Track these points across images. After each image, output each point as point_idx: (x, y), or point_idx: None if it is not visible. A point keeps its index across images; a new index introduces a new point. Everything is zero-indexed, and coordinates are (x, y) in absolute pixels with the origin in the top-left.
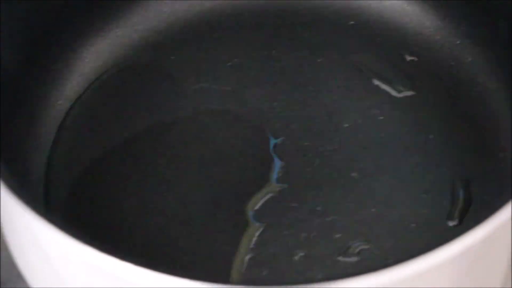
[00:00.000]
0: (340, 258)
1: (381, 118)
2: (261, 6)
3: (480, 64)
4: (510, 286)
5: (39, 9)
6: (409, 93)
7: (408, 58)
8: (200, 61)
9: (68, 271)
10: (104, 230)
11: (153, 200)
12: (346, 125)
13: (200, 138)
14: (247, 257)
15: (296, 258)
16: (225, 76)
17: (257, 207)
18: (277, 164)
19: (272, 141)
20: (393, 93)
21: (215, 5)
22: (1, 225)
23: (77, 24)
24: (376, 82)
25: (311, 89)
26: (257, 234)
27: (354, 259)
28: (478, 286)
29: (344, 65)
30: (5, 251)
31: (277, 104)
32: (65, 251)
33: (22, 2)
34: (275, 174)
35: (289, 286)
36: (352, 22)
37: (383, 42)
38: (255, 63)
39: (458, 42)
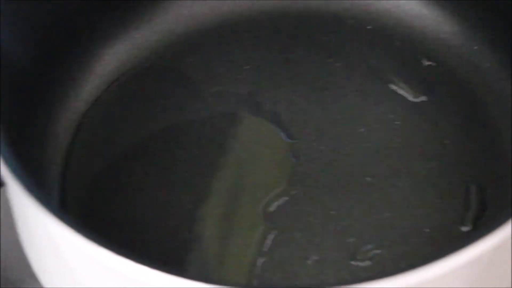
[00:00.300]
0: (353, 262)
1: (397, 123)
2: (279, 10)
3: (498, 69)
4: None
5: (58, 10)
6: (425, 98)
7: (426, 63)
8: (217, 64)
9: (82, 271)
10: (119, 231)
11: (169, 201)
12: (362, 129)
13: (217, 140)
14: (260, 261)
15: (309, 262)
16: (243, 79)
17: (271, 210)
18: (292, 167)
19: (288, 145)
20: (410, 98)
21: (233, 8)
22: (16, 225)
23: (96, 26)
24: (393, 86)
25: (327, 93)
26: (270, 237)
27: (367, 263)
28: None
29: (361, 70)
30: (18, 251)
31: (293, 108)
32: (79, 252)
33: (42, 3)
34: (289, 178)
35: None
36: (370, 27)
37: (400, 46)
38: (272, 66)
39: (475, 47)
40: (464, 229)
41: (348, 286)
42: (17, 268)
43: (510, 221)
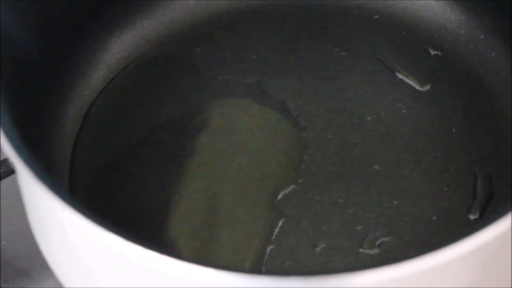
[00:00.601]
0: (361, 250)
1: (405, 111)
2: (286, 0)
3: (504, 59)
4: None
5: (67, 0)
6: (432, 87)
7: (432, 52)
8: (225, 53)
9: (92, 257)
10: (128, 218)
11: (176, 189)
12: (370, 118)
13: (224, 129)
14: (269, 248)
15: (318, 249)
16: (250, 69)
17: (279, 198)
18: (300, 156)
19: (295, 133)
20: (417, 87)
21: None
22: (27, 213)
23: (104, 16)
24: (400, 75)
25: (334, 82)
26: (279, 225)
27: (375, 251)
28: (498, 279)
29: (368, 59)
30: (29, 239)
31: (300, 97)
32: (89, 238)
33: None
34: (297, 166)
35: (310, 277)
36: (376, 16)
37: (407, 36)
38: (279, 56)
39: (482, 37)
40: (472, 217)
41: (356, 273)
42: (27, 257)
43: None
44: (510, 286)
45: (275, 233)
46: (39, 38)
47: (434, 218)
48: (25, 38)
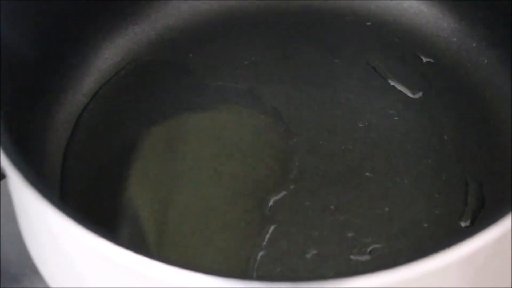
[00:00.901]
0: (352, 257)
1: (396, 118)
2: (279, 6)
3: (496, 66)
4: None
5: (59, 5)
6: (424, 94)
7: (425, 59)
8: (217, 59)
9: (82, 263)
10: (119, 223)
11: (167, 194)
12: (361, 124)
13: (216, 135)
14: (260, 254)
15: (308, 256)
16: (242, 74)
17: (270, 204)
18: (292, 162)
19: (287, 139)
20: (409, 93)
21: (233, 3)
22: (17, 218)
23: (96, 21)
24: (392, 82)
25: (327, 88)
26: (270, 231)
27: (366, 257)
28: (489, 286)
29: (360, 65)
30: (19, 244)
31: (293, 103)
32: (80, 243)
33: None
34: (289, 172)
35: (301, 283)
36: (369, 23)
37: (400, 43)
38: (272, 61)
39: (474, 44)
40: (463, 224)
41: (347, 280)
42: (17, 262)
43: (508, 216)
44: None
45: (265, 239)
46: (31, 42)
47: (425, 225)
48: (17, 43)
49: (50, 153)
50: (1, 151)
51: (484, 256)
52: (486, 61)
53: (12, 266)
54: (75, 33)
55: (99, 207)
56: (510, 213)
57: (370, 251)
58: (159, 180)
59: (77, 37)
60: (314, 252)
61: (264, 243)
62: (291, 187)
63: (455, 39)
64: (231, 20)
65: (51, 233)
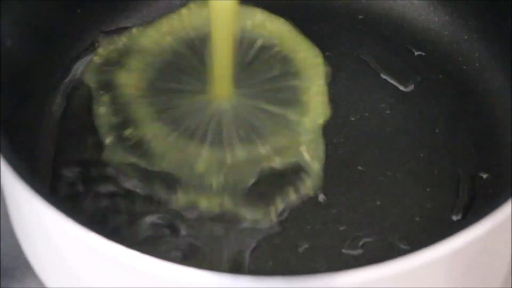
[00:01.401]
0: (344, 251)
1: (388, 112)
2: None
3: (488, 59)
4: (510, 286)
5: (51, 3)
6: (416, 87)
7: (416, 52)
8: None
9: (74, 257)
10: (110, 218)
11: (161, 189)
12: (353, 118)
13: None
14: (252, 248)
15: (300, 249)
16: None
17: None
18: None
19: None
20: (401, 87)
21: None
22: (9, 212)
23: (87, 16)
24: (384, 76)
25: None
26: None
27: (358, 251)
28: (480, 280)
29: (352, 59)
30: (12, 239)
31: None
32: (71, 237)
33: None
34: None
35: (293, 277)
36: (361, 16)
37: (391, 36)
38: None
39: (465, 37)
40: (454, 217)
41: (339, 274)
42: (10, 256)
43: (499, 210)
44: (493, 286)
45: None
46: (25, 37)
47: (417, 218)
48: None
49: (42, 147)
50: None
51: (475, 249)
52: (477, 54)
53: (4, 261)
54: (67, 29)
55: (90, 202)
56: (501, 206)
57: (362, 244)
58: (150, 174)
59: (69, 33)
60: (306, 246)
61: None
62: None
63: (446, 32)
64: None
65: (42, 227)
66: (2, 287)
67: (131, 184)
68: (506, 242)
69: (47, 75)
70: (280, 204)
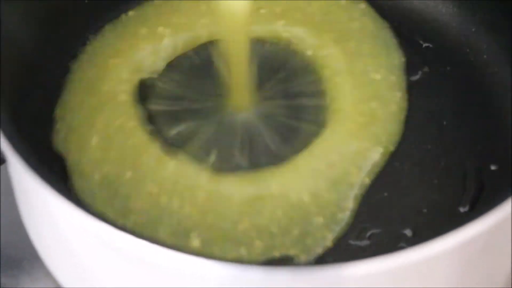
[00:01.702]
0: (351, 242)
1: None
2: None
3: (495, 51)
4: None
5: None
6: (423, 79)
7: (424, 44)
8: None
9: (83, 247)
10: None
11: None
12: None
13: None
14: None
15: None
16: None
17: None
18: None
19: None
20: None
21: None
22: (17, 202)
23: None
24: None
25: None
26: None
27: (365, 242)
28: (487, 272)
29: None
30: (19, 229)
31: None
32: (80, 228)
33: None
34: None
35: (301, 268)
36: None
37: (399, 27)
38: None
39: (473, 29)
40: (462, 209)
41: (346, 265)
42: (18, 246)
43: (507, 202)
44: (501, 278)
45: None
46: (30, 29)
47: (424, 210)
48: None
49: (51, 137)
50: (1, 136)
51: (483, 241)
52: (485, 45)
53: (13, 251)
54: (72, 18)
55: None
56: (509, 198)
57: (369, 236)
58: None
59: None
60: None
61: None
62: None
63: (454, 24)
64: None
65: (51, 217)
66: (11, 277)
67: None
68: None
69: (55, 65)
70: None
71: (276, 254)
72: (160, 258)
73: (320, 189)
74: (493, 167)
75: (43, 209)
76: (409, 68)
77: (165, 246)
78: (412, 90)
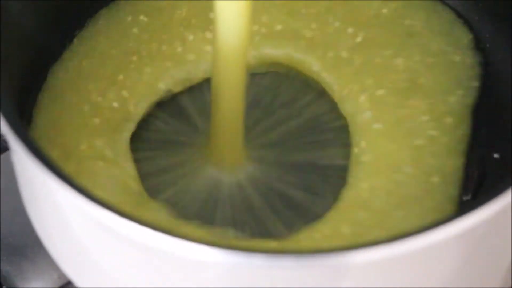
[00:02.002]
0: None
1: None
2: None
3: (499, 40)
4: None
5: None
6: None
7: None
8: None
9: (86, 234)
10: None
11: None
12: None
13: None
14: None
15: None
16: None
17: None
18: None
19: None
20: None
21: None
22: (20, 190)
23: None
24: None
25: None
26: None
27: None
28: (489, 260)
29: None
30: (22, 217)
31: None
32: (84, 215)
33: None
34: None
35: (306, 255)
36: None
37: None
38: None
39: (477, 18)
40: (464, 198)
41: (349, 252)
42: (20, 234)
43: (509, 190)
44: (503, 265)
45: None
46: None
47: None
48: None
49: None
50: (5, 123)
51: (485, 229)
52: (488, 35)
53: (15, 238)
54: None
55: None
56: (511, 187)
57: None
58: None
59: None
60: None
61: None
62: None
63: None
64: None
65: (55, 205)
66: (14, 264)
67: None
68: None
69: (56, 50)
70: None
71: None
72: (164, 245)
73: None
74: (496, 155)
75: (47, 197)
76: None
77: (169, 233)
78: None
